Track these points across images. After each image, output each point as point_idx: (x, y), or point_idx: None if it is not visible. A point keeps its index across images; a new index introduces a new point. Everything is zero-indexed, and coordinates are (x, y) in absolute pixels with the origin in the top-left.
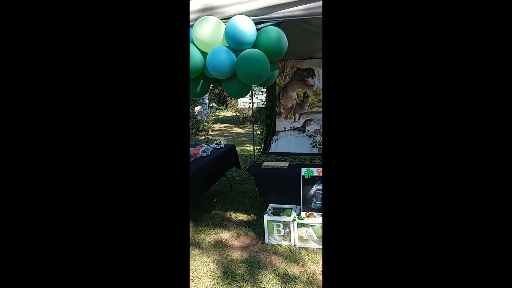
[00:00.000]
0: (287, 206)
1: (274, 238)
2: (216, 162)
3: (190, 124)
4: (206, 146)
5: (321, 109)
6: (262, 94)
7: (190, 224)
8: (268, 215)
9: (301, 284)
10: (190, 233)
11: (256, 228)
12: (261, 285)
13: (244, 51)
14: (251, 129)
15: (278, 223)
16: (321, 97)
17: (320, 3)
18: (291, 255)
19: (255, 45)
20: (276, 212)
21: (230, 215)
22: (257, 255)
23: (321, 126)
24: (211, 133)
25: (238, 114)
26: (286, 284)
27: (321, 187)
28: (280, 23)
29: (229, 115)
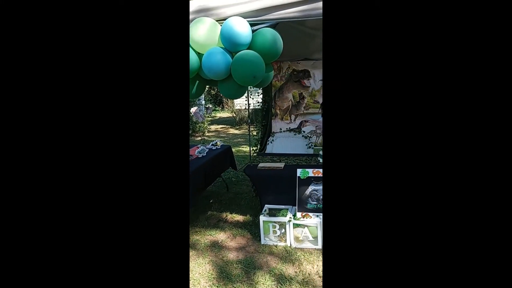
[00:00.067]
0: (282, 206)
1: (270, 238)
2: (212, 163)
3: None
4: (202, 147)
5: (316, 110)
6: (258, 95)
7: None
8: (264, 215)
9: (296, 285)
10: None
11: (252, 229)
12: (257, 285)
13: (239, 53)
14: (247, 130)
15: (274, 224)
16: (316, 98)
17: (315, 5)
18: (287, 256)
19: (250, 46)
20: (272, 213)
21: (226, 216)
22: (253, 255)
23: (317, 127)
24: (207, 134)
25: (234, 115)
26: (282, 285)
27: (316, 187)
28: (275, 25)
29: (225, 116)
